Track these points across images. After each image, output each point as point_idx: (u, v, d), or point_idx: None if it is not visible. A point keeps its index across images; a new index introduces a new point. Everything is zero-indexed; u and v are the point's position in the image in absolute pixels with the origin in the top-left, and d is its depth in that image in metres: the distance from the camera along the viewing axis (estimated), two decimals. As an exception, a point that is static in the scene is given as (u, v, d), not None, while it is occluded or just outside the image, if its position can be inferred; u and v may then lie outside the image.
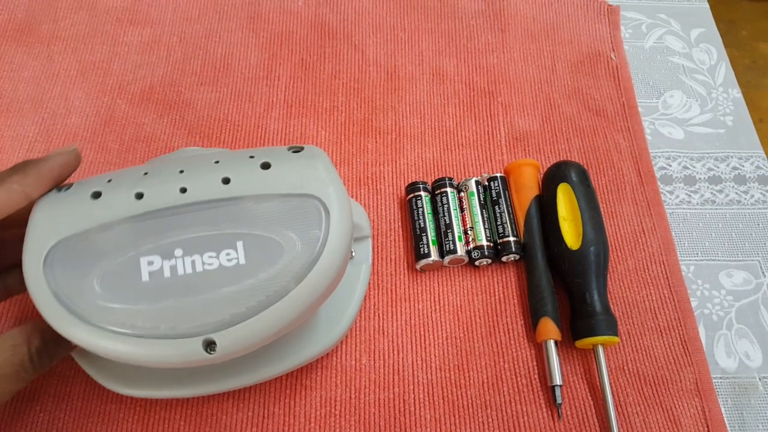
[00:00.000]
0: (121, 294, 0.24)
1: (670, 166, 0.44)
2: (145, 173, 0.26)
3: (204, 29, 0.47)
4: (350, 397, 0.33)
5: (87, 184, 0.26)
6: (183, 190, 0.25)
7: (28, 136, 0.41)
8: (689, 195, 0.43)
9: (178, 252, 0.24)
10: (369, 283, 0.36)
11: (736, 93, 0.47)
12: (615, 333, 0.34)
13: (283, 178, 0.26)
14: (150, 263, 0.24)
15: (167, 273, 0.24)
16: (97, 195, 0.26)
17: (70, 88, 0.43)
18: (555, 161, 0.39)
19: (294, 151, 0.28)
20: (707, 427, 0.34)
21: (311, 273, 0.25)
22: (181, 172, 0.26)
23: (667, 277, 0.38)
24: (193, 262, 0.24)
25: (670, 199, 0.42)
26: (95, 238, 0.25)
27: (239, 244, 0.25)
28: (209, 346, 0.24)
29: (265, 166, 0.27)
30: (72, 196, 0.26)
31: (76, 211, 0.25)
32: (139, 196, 0.25)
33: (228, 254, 0.24)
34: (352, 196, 0.40)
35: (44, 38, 0.46)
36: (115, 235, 0.25)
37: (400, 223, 0.39)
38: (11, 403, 0.32)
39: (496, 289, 0.37)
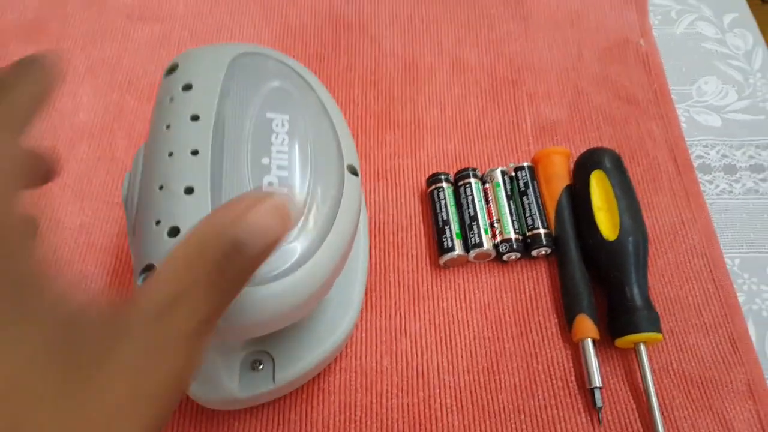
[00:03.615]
0: None
1: (708, 154, 0.41)
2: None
3: (216, 24, 0.46)
4: (371, 402, 0.31)
5: None
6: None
7: (34, 134, 0.40)
8: (730, 184, 0.40)
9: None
10: (398, 270, 0.35)
11: (776, 78, 0.45)
12: (658, 329, 0.31)
13: None
14: None
15: None
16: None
17: (78, 84, 0.42)
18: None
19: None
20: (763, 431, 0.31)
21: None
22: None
23: (711, 271, 0.36)
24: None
25: (710, 189, 0.40)
26: None
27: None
28: None
29: None
30: None
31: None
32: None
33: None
34: (370, 190, 0.38)
35: (53, 36, 0.44)
36: None
37: (421, 218, 0.37)
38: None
39: (527, 286, 0.35)
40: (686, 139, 0.41)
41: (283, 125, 0.26)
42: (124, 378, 0.13)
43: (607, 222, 0.33)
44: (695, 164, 0.40)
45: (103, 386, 0.13)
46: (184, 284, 0.15)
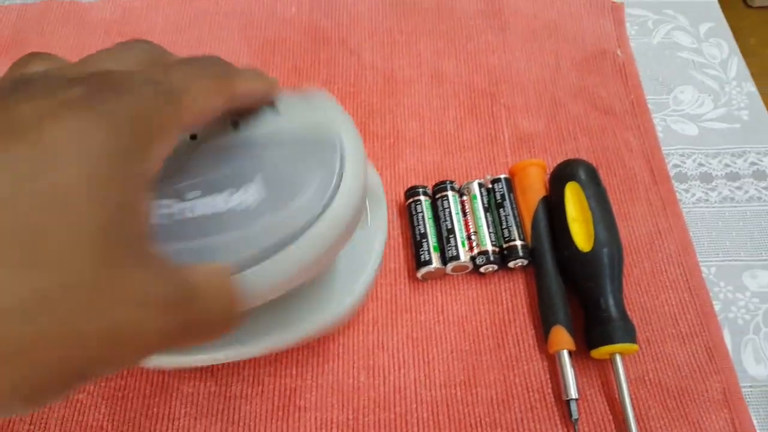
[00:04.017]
0: None
1: (685, 163, 0.41)
2: None
3: (195, 38, 0.46)
4: (348, 419, 0.31)
5: None
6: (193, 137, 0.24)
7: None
8: (706, 193, 0.40)
9: (193, 194, 0.23)
10: (375, 284, 0.34)
11: (750, 87, 0.45)
12: (633, 340, 0.31)
13: (296, 118, 0.25)
14: (166, 206, 0.23)
15: (179, 216, 0.22)
16: None
17: (56, 101, 0.42)
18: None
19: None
20: (739, 441, 0.31)
21: (331, 208, 0.23)
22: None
23: (687, 280, 0.36)
24: (205, 204, 0.23)
25: (686, 197, 0.40)
26: None
27: (254, 185, 0.23)
28: None
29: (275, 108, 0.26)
30: None
31: None
32: None
33: (243, 193, 0.23)
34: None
35: (31, 53, 0.44)
36: None
37: (399, 231, 0.37)
38: None
39: (504, 298, 0.35)
40: (663, 148, 0.41)
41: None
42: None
43: (582, 233, 0.34)
44: (672, 173, 0.41)
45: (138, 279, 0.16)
46: None
